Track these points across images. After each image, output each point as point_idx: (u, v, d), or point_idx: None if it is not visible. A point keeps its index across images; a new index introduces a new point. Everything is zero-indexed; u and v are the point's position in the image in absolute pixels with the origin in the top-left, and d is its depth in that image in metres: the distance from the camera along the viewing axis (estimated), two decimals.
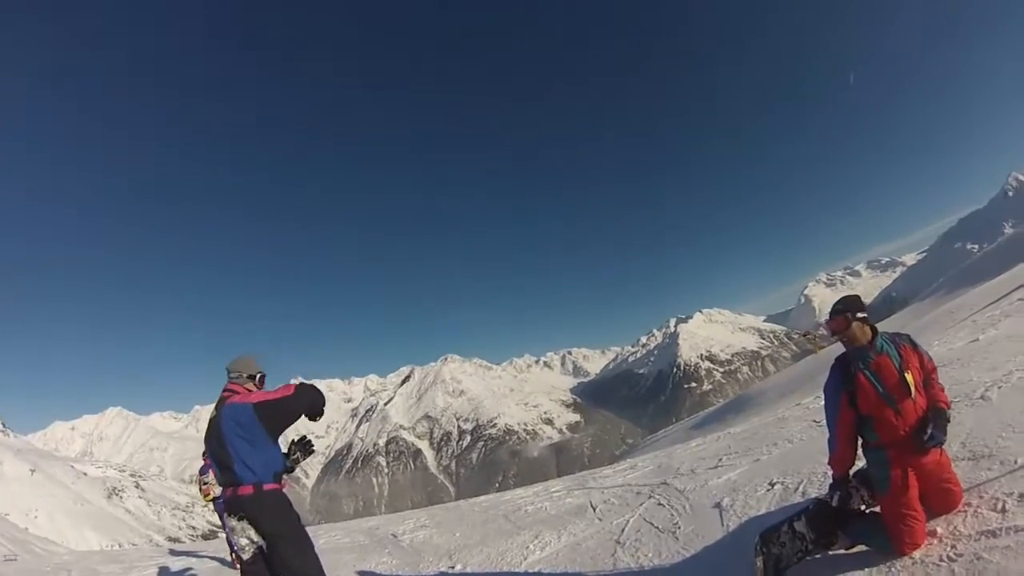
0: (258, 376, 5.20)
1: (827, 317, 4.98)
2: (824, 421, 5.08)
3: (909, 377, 4.46)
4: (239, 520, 4.58)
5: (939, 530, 4.31)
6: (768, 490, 7.01)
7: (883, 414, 4.46)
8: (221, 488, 4.82)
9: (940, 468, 4.43)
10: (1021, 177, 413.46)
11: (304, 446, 5.31)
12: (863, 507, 4.75)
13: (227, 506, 4.63)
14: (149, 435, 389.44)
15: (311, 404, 4.85)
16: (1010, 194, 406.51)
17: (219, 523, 4.84)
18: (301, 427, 5.30)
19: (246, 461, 4.62)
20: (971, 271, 37.93)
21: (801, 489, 6.51)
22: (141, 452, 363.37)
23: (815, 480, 6.55)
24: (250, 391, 4.99)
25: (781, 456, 8.55)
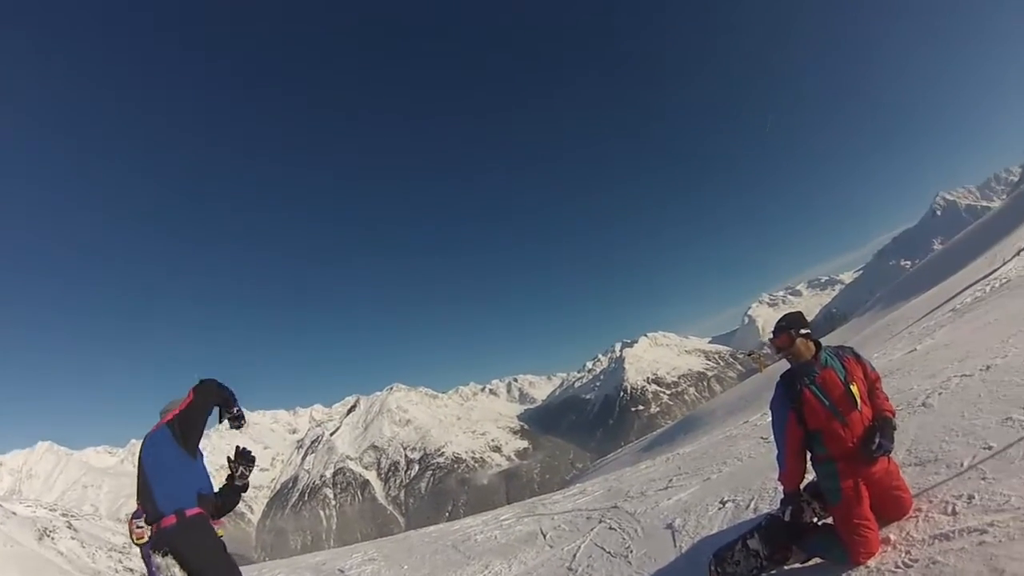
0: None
1: (771, 335, 5.00)
2: (772, 437, 5.06)
3: (854, 388, 4.51)
4: (164, 556, 4.34)
5: (892, 537, 4.31)
6: (720, 509, 6.95)
7: (831, 427, 4.48)
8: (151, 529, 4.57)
9: (889, 476, 4.45)
10: (948, 197, 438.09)
11: (243, 456, 5.09)
12: (815, 520, 4.72)
13: (153, 544, 4.38)
14: (82, 471, 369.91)
15: (211, 395, 4.91)
16: (938, 213, 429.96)
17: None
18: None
19: (167, 488, 4.47)
20: (906, 286, 39.24)
21: (753, 506, 6.46)
22: (74, 489, 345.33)
23: (766, 496, 6.51)
24: None
25: (731, 474, 8.52)
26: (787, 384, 4.78)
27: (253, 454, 5.24)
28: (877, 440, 4.28)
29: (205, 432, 4.87)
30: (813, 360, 4.72)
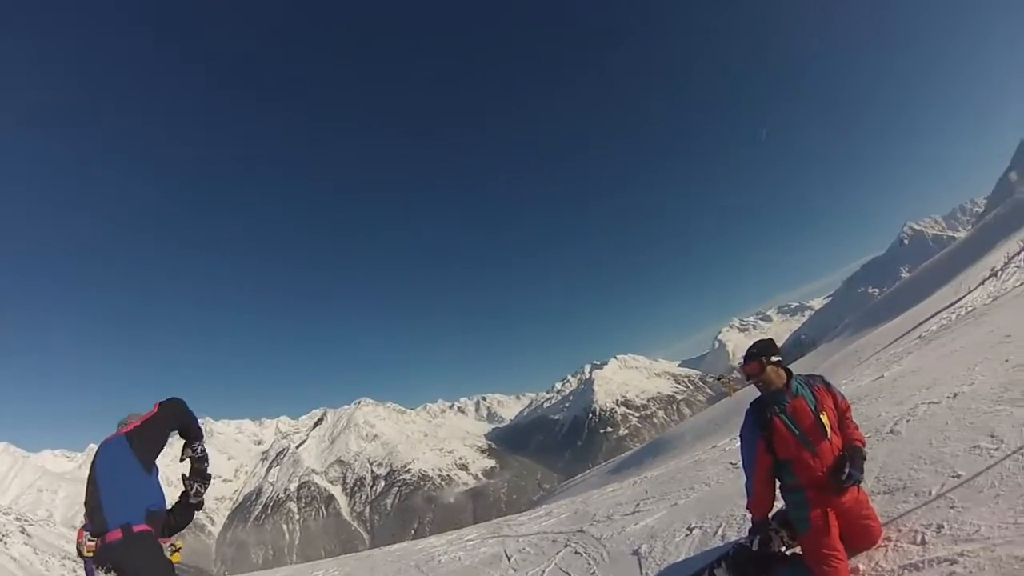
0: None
1: (742, 361, 4.97)
2: (741, 463, 5.00)
3: (824, 419, 4.49)
4: (107, 573, 4.08)
5: (861, 567, 4.28)
6: (687, 535, 6.85)
7: (801, 456, 4.45)
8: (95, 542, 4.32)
9: (859, 505, 4.42)
10: (915, 227, 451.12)
11: (198, 473, 4.82)
12: (784, 549, 4.65)
13: (96, 558, 4.13)
14: (37, 475, 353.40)
15: (176, 415, 4.63)
16: (905, 242, 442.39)
17: None
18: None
19: (117, 501, 4.22)
20: (873, 313, 39.99)
21: (720, 533, 6.37)
22: (28, 493, 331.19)
23: (734, 523, 6.43)
24: None
25: (699, 500, 8.44)
26: (757, 412, 4.76)
27: (209, 470, 5.00)
28: (847, 470, 4.25)
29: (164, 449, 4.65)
30: (784, 388, 4.68)
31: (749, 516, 4.83)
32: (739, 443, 5.00)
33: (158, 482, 4.53)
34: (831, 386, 4.77)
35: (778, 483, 4.69)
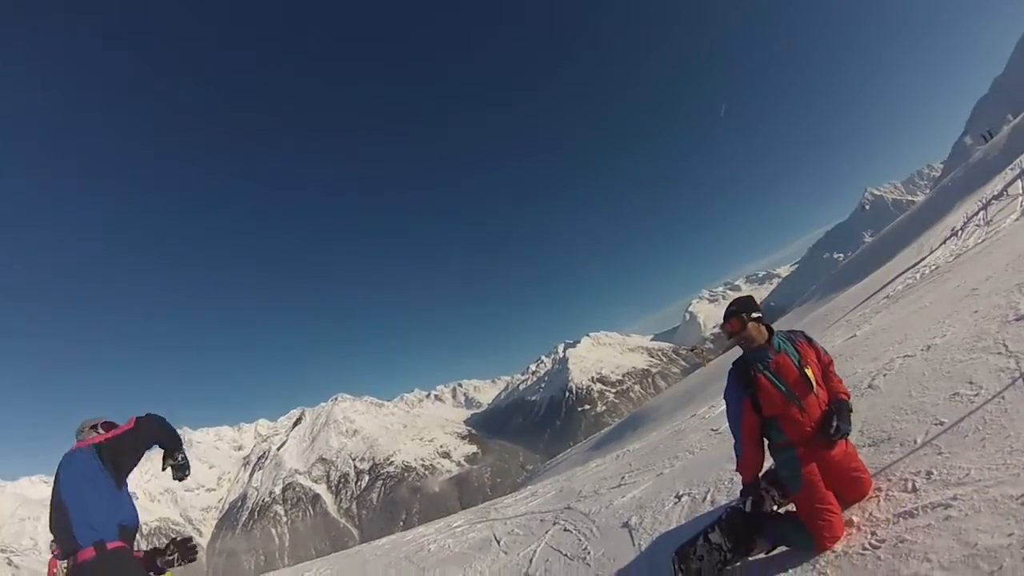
0: (100, 423, 4.54)
1: (723, 321, 4.92)
2: (724, 428, 4.98)
3: (809, 372, 4.46)
4: None
5: (855, 519, 4.25)
6: (676, 503, 6.82)
7: (788, 412, 4.42)
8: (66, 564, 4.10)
9: (847, 458, 4.40)
10: (875, 192, 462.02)
11: (184, 547, 4.66)
12: (776, 508, 4.64)
13: None
14: (17, 503, 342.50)
15: (157, 432, 4.46)
16: (867, 207, 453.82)
17: None
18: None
19: (87, 517, 3.98)
20: (839, 277, 40.37)
21: (709, 498, 6.36)
22: (11, 523, 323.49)
23: (722, 487, 6.42)
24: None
25: (684, 468, 8.42)
26: (740, 371, 4.71)
27: (196, 551, 4.83)
28: (835, 423, 4.24)
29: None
30: (766, 345, 4.64)
31: (739, 478, 4.80)
32: (724, 406, 4.96)
33: (129, 497, 4.35)
34: (812, 340, 4.75)
35: (766, 442, 4.66)
